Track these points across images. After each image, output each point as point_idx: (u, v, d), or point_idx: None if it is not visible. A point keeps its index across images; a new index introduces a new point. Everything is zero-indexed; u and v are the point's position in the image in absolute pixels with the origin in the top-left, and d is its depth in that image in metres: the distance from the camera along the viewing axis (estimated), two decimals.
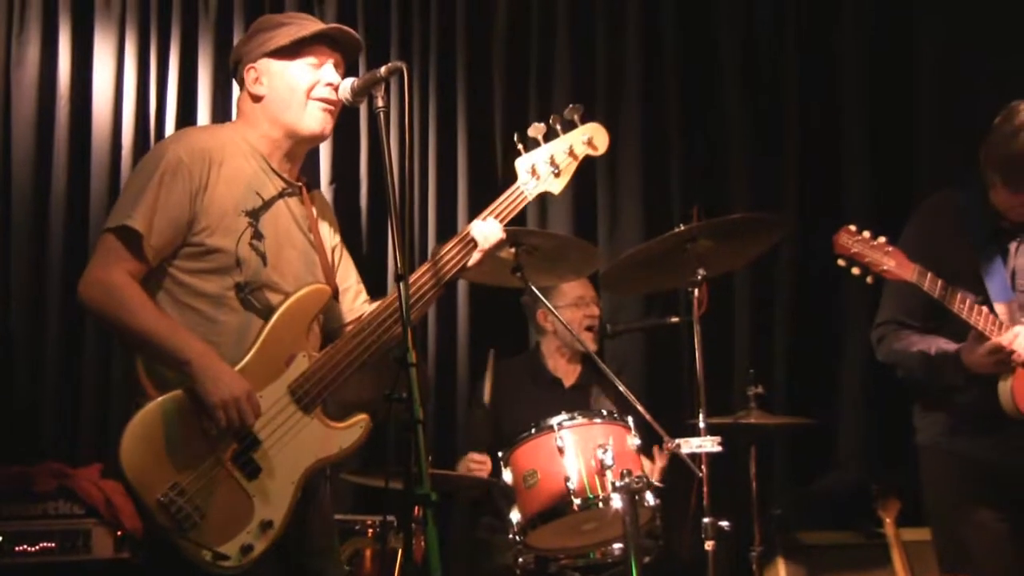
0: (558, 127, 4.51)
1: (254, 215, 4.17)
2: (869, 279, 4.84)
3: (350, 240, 4.75)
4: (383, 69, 3.97)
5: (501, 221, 4.36)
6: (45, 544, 5.00)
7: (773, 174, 7.99)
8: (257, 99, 4.32)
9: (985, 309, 4.87)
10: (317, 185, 7.10)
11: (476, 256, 4.31)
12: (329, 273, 4.36)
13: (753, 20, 8.14)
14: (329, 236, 4.50)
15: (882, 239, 4.82)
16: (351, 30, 4.38)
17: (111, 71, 7.00)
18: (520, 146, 4.47)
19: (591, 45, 7.87)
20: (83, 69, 6.98)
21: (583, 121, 4.58)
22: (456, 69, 7.69)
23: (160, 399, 3.92)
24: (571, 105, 4.57)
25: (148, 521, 3.88)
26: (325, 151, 7.26)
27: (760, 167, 7.99)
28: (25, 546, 4.98)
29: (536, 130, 4.46)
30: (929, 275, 4.83)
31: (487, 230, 4.30)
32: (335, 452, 4.14)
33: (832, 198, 7.92)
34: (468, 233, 4.31)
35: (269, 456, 4.01)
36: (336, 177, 7.14)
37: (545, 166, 4.47)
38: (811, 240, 7.84)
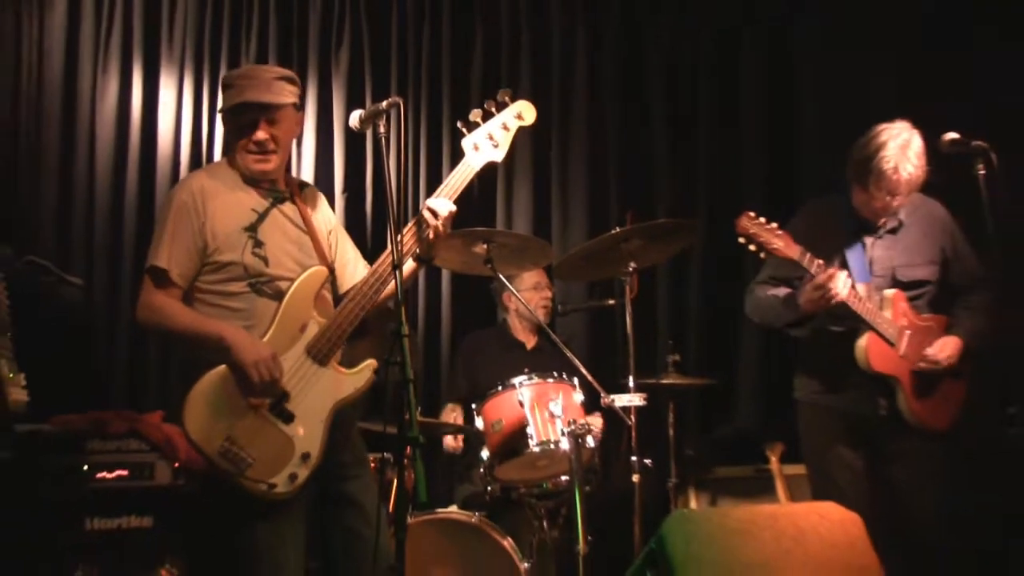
0: (493, 109, 4.51)
1: (252, 228, 4.24)
2: (762, 255, 4.83)
3: (357, 239, 4.77)
4: (384, 103, 4.01)
5: (455, 190, 4.36)
6: (120, 472, 5.01)
7: (690, 186, 8.02)
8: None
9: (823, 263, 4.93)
10: (331, 194, 7.13)
11: (431, 232, 4.27)
12: (323, 255, 4.38)
13: (675, 60, 8.17)
14: (324, 223, 4.53)
15: (774, 224, 4.83)
16: (264, 99, 4.24)
17: (173, 101, 7.00)
18: (464, 129, 4.47)
19: (548, 90, 7.86)
20: (151, 100, 6.98)
21: (512, 101, 4.57)
22: (442, 102, 7.69)
23: (209, 374, 4.02)
24: (501, 90, 4.58)
25: (213, 468, 3.96)
26: (339, 167, 7.28)
27: (680, 180, 8.01)
28: (104, 473, 4.99)
29: (475, 115, 4.47)
30: (808, 255, 4.86)
31: (437, 205, 4.27)
32: (351, 392, 4.19)
33: (734, 206, 7.93)
34: (421, 213, 4.30)
35: (298, 403, 4.09)
36: (347, 188, 7.16)
37: (485, 141, 4.46)
38: (717, 239, 7.89)
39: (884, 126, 5.02)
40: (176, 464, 5.15)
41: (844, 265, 5.04)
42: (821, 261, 4.89)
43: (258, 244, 4.21)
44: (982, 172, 4.51)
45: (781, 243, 4.82)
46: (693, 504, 6.82)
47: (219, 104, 4.43)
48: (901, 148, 4.92)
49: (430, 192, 7.41)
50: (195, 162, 6.95)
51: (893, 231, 5.22)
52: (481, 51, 7.81)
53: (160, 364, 6.77)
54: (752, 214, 4.85)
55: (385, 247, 4.36)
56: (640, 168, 8.02)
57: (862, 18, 7.62)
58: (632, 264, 5.60)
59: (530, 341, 6.80)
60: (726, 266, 7.88)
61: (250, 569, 4.04)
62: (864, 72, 7.53)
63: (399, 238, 4.12)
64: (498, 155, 4.52)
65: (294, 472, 4.00)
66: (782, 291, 5.28)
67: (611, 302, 6.50)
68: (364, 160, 7.35)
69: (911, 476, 5.11)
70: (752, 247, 4.82)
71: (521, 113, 4.59)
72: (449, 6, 7.76)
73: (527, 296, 6.40)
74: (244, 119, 4.27)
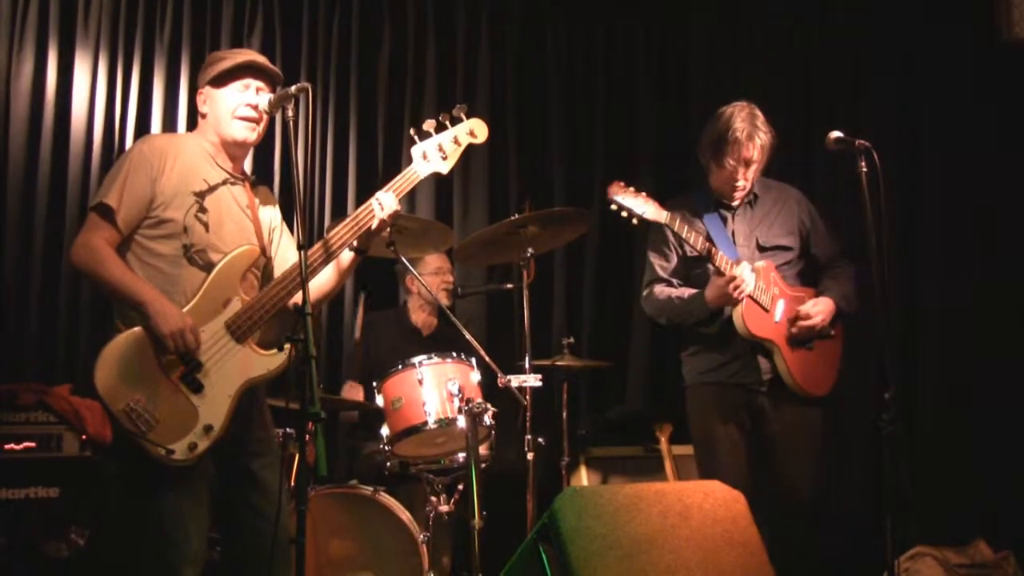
0: (447, 122, 4.52)
1: (200, 195, 4.19)
2: (634, 221, 4.90)
3: None
4: (293, 88, 4.01)
5: (397, 194, 4.34)
6: (28, 444, 4.97)
7: (585, 178, 8.08)
8: (203, 116, 4.38)
9: (721, 252, 5.07)
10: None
11: (376, 222, 4.27)
12: (261, 242, 4.35)
13: (573, 55, 8.26)
14: (269, 218, 4.50)
15: (643, 192, 4.96)
16: (266, 63, 4.37)
17: (87, 82, 6.92)
18: (416, 137, 4.45)
19: (452, 79, 7.87)
20: (66, 80, 6.90)
21: (467, 117, 4.58)
22: (349, 88, 7.65)
23: (125, 333, 3.95)
24: (458, 104, 4.58)
25: (117, 425, 3.89)
26: None
27: (576, 172, 8.09)
28: (12, 444, 4.95)
29: (428, 124, 4.47)
30: (678, 219, 4.99)
31: (385, 199, 4.29)
32: (263, 372, 4.13)
33: None
34: (370, 202, 4.31)
35: (209, 376, 4.01)
36: (255, 171, 7.07)
37: (435, 152, 4.45)
38: (611, 228, 7.95)
39: (725, 107, 5.26)
40: (83, 436, 5.11)
41: (709, 239, 5.14)
42: (686, 224, 5.02)
43: (202, 210, 4.17)
44: (864, 170, 4.60)
45: (650, 209, 4.93)
46: (585, 481, 6.87)
47: (203, 79, 4.36)
48: (749, 119, 5.17)
49: (336, 176, 7.48)
50: (108, 142, 6.90)
51: (750, 203, 5.40)
52: (388, 41, 7.78)
53: (69, 338, 6.70)
54: (622, 183, 4.96)
55: (291, 229, 4.35)
56: (539, 158, 8.07)
57: (754, 17, 7.74)
58: (530, 250, 5.60)
59: (428, 326, 6.80)
60: (619, 255, 7.97)
61: (156, 541, 3.99)
62: (755, 70, 7.64)
63: (345, 228, 4.22)
64: (444, 167, 4.52)
65: (194, 442, 3.93)
66: (685, 292, 5.36)
67: (509, 286, 6.50)
68: (272, 143, 7.29)
69: (790, 444, 5.24)
70: (624, 213, 4.91)
71: (473, 130, 4.62)
72: None
73: (429, 280, 6.40)
74: (243, 82, 4.29)
